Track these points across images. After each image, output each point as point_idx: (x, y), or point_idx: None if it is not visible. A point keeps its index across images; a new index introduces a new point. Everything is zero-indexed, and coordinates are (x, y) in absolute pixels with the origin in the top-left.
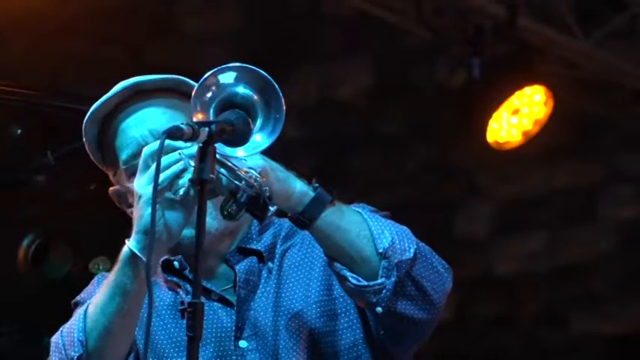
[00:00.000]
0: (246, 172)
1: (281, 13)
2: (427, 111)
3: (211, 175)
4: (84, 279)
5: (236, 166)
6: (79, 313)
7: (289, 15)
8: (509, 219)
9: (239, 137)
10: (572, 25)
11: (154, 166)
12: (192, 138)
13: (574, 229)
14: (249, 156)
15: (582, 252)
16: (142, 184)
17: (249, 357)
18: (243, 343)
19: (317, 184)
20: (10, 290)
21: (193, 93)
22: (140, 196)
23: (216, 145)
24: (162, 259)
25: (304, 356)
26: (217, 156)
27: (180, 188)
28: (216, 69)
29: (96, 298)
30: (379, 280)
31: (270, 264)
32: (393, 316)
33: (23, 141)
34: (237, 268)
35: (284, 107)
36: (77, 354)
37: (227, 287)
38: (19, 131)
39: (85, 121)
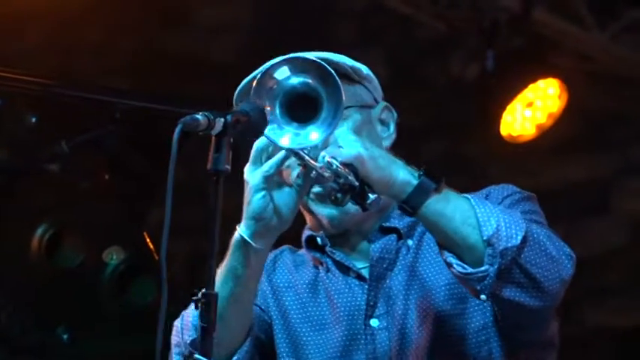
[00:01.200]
0: (331, 161)
1: (294, 4)
2: (441, 104)
3: (227, 166)
4: (97, 269)
5: (323, 161)
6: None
7: (303, 6)
8: None
9: (255, 128)
10: (586, 19)
11: (263, 156)
12: (207, 129)
13: (588, 222)
14: (345, 144)
15: (596, 245)
16: (249, 172)
17: (378, 337)
18: (374, 322)
19: (421, 172)
20: (23, 279)
21: (253, 88)
22: (248, 183)
23: (289, 136)
24: (306, 234)
25: (430, 337)
26: (297, 151)
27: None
28: (269, 64)
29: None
30: (483, 268)
31: (409, 241)
32: (501, 303)
33: (38, 130)
34: (372, 246)
35: (342, 91)
36: (191, 338)
37: (367, 265)
38: (34, 120)
39: (235, 95)
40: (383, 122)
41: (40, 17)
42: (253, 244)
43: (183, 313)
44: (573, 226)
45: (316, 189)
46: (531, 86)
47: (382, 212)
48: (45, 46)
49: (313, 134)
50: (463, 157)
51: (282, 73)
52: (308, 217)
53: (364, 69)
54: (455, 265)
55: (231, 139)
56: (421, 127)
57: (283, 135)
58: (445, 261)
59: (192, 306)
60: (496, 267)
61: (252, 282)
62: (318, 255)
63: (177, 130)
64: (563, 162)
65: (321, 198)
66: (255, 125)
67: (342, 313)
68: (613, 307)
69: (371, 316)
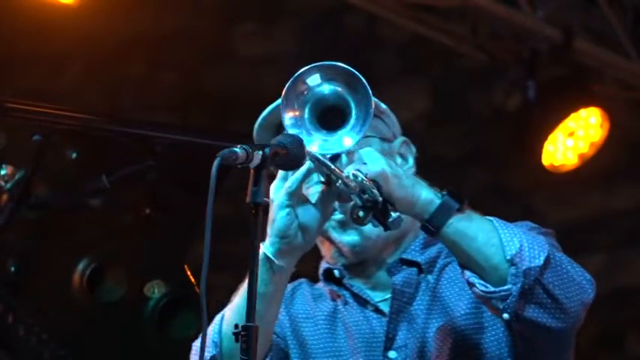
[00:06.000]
0: (357, 174)
1: (337, 36)
2: (483, 134)
3: (265, 199)
4: (138, 303)
5: (348, 173)
6: (218, 315)
7: (345, 38)
8: (567, 242)
9: (293, 160)
10: (628, 47)
11: (289, 174)
12: (246, 162)
13: (632, 251)
14: (370, 161)
15: None
16: (275, 190)
17: None
18: (392, 354)
19: (445, 193)
20: (66, 314)
21: (284, 93)
22: (273, 201)
23: (318, 142)
24: (323, 267)
25: None
26: (323, 159)
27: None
28: (300, 72)
29: (233, 300)
30: (506, 287)
31: (429, 276)
32: (523, 323)
33: (79, 165)
34: (394, 278)
35: (372, 98)
36: (210, 354)
37: (386, 298)
38: (74, 155)
39: (256, 127)
40: (402, 156)
41: (82, 54)
42: (277, 261)
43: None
44: (617, 255)
45: (337, 216)
46: (573, 115)
47: (399, 242)
48: (87, 81)
49: (345, 140)
50: (506, 187)
51: (314, 80)
52: (325, 247)
53: (382, 104)
54: (477, 285)
55: (271, 172)
56: (464, 157)
57: (312, 142)
58: (467, 281)
59: (213, 322)
60: (519, 286)
61: (275, 300)
62: (335, 288)
63: (216, 163)
64: (606, 191)
65: (343, 225)
66: (294, 157)
67: (359, 344)
68: None
69: (389, 349)
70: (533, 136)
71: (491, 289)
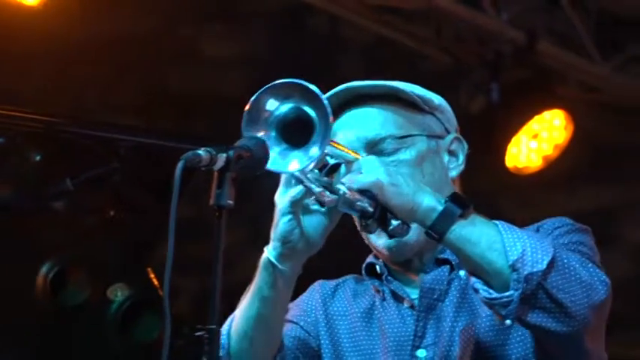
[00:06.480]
0: (339, 187)
1: (302, 38)
2: None
3: (229, 202)
4: (102, 306)
5: (338, 183)
6: (229, 317)
7: (310, 39)
8: None
9: (257, 163)
10: (591, 50)
11: (292, 179)
12: (209, 164)
13: None
14: (366, 170)
15: None
16: (279, 195)
17: None
18: (421, 353)
19: (447, 198)
20: (28, 317)
21: (244, 119)
22: (276, 206)
23: (297, 160)
24: (367, 261)
25: None
26: (301, 177)
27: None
28: (258, 92)
29: (241, 303)
30: (508, 293)
31: (461, 272)
32: (528, 328)
33: (42, 167)
34: (424, 277)
35: (324, 102)
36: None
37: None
38: (38, 157)
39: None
40: (452, 153)
41: (47, 56)
42: (279, 265)
43: None
44: None
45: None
46: (537, 118)
47: (436, 243)
48: (51, 85)
49: (313, 150)
50: (471, 189)
51: (271, 104)
52: (371, 246)
53: (436, 99)
54: (481, 291)
55: (234, 175)
56: None
57: (290, 161)
58: (472, 287)
59: (223, 325)
60: (520, 292)
61: (280, 304)
62: (377, 283)
63: (180, 165)
64: (570, 193)
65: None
66: (258, 160)
67: (390, 343)
68: (621, 339)
69: (418, 347)
70: (497, 138)
71: (494, 295)
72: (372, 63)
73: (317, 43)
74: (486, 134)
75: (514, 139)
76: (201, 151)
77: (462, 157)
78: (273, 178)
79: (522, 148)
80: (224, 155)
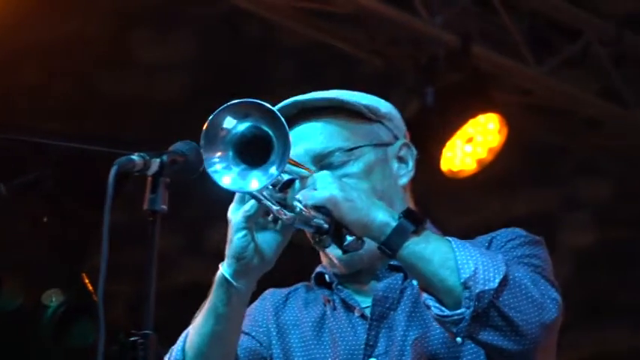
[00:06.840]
0: (295, 204)
1: (235, 42)
2: None
3: (163, 206)
4: (36, 312)
5: (294, 201)
6: (183, 334)
7: (243, 44)
8: None
9: (191, 167)
10: (525, 53)
11: (246, 196)
12: (143, 169)
13: None
14: (320, 186)
15: None
16: (233, 211)
17: None
18: None
19: (401, 214)
20: None
21: (203, 138)
22: (230, 222)
23: (257, 178)
24: (316, 271)
25: None
26: (258, 196)
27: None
28: (217, 110)
29: (196, 319)
30: (459, 310)
31: (414, 281)
32: (479, 346)
33: None
34: (377, 285)
35: (283, 121)
36: None
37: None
38: None
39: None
40: (401, 159)
41: None
42: (234, 283)
43: (171, 349)
44: None
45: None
46: (471, 121)
47: None
48: None
49: (272, 169)
50: None
51: (229, 123)
52: (322, 255)
53: (383, 107)
54: (432, 308)
55: (168, 180)
56: None
57: (250, 180)
58: (424, 303)
59: (176, 343)
60: (471, 310)
61: (234, 320)
62: (327, 293)
63: (113, 170)
64: (506, 197)
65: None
66: (192, 165)
67: (342, 352)
68: (560, 342)
69: (370, 356)
70: (432, 142)
71: (446, 312)
72: (307, 67)
73: (250, 47)
74: (421, 138)
75: (449, 143)
76: (134, 156)
77: (411, 163)
78: (211, 185)
79: (457, 152)
80: (158, 160)
